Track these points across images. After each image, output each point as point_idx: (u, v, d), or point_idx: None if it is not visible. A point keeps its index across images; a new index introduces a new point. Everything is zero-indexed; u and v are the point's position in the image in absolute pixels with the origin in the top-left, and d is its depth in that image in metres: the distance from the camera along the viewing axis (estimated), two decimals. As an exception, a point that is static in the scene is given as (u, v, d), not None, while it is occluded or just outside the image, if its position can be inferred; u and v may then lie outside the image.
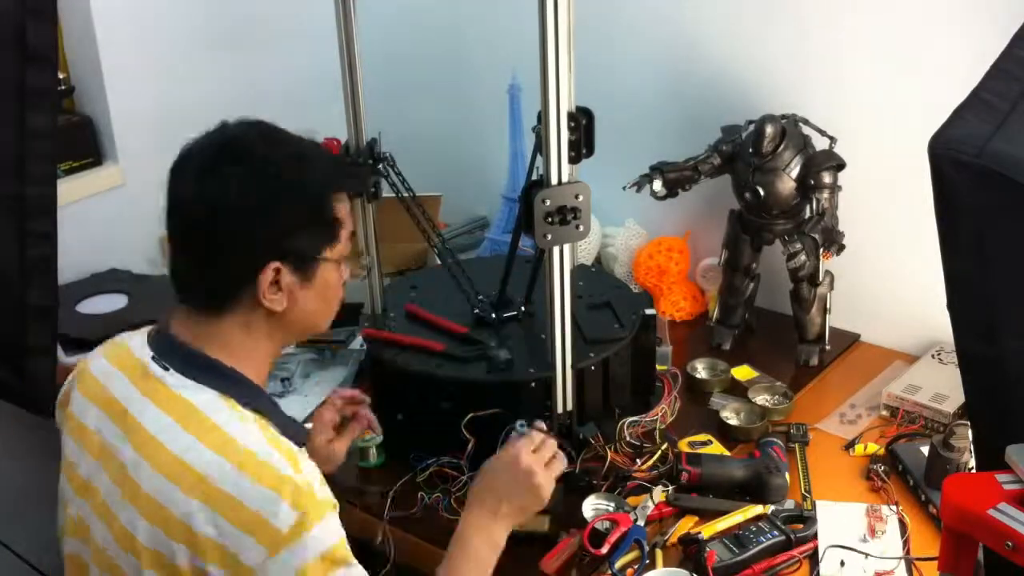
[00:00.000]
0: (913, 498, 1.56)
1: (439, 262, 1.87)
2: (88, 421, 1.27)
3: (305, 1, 2.31)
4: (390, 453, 1.68)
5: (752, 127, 1.87)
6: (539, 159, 1.53)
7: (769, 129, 1.82)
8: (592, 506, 1.55)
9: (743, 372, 1.91)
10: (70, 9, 2.06)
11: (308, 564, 1.10)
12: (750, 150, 1.85)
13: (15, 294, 1.58)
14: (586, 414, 1.67)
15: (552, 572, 1.44)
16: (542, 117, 1.46)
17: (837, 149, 1.84)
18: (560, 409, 1.62)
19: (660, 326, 1.91)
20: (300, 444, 1.22)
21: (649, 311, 1.74)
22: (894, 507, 1.53)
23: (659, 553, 1.47)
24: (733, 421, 1.75)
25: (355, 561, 1.16)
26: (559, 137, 1.46)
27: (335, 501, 1.16)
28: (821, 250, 1.86)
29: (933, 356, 1.88)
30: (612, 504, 1.55)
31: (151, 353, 1.24)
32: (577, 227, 1.51)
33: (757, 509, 1.53)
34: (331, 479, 1.22)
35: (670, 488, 1.55)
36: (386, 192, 1.80)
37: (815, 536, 1.47)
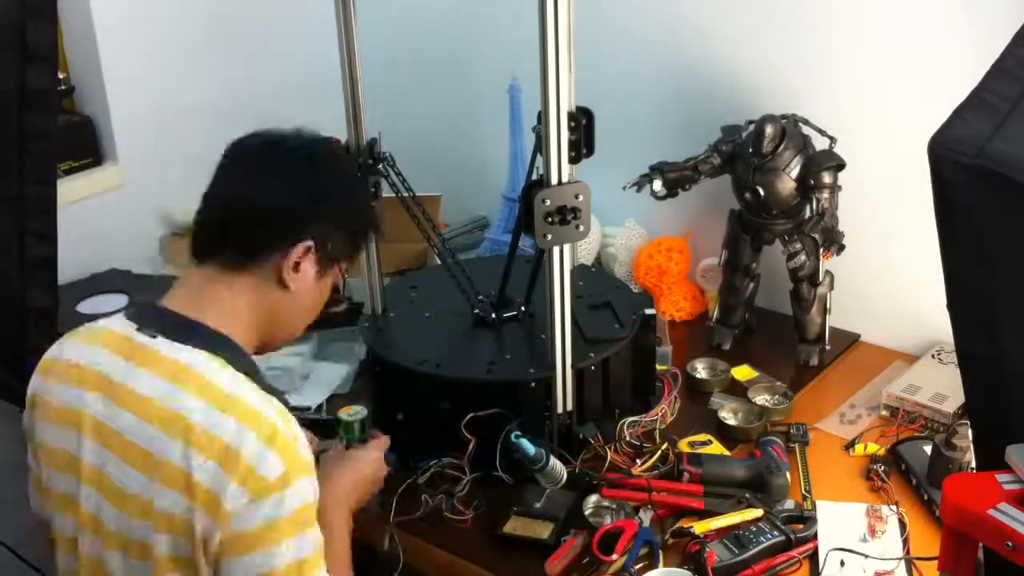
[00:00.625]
0: (916, 498, 1.57)
1: (439, 262, 1.87)
2: (70, 401, 1.25)
3: (305, 2, 2.32)
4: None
5: (752, 127, 1.87)
6: (539, 159, 1.53)
7: (769, 129, 1.82)
8: (592, 506, 1.55)
9: (743, 372, 1.91)
10: (70, 9, 2.06)
11: (283, 517, 1.13)
12: (750, 150, 1.85)
13: (15, 294, 1.59)
14: (586, 414, 1.67)
15: (556, 574, 1.44)
16: (542, 117, 1.46)
17: (837, 149, 1.84)
18: (560, 409, 1.62)
19: (660, 326, 1.91)
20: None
21: (649, 311, 1.74)
22: (894, 507, 1.53)
23: (659, 553, 1.46)
24: (731, 421, 1.75)
25: (318, 528, 1.19)
26: (559, 137, 1.46)
27: (314, 465, 1.20)
28: (821, 250, 1.86)
29: (933, 356, 1.88)
30: (612, 504, 1.55)
31: (134, 326, 1.25)
32: (577, 227, 1.51)
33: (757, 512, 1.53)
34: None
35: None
36: (386, 192, 1.80)
37: (815, 536, 1.47)
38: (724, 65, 2.04)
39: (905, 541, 1.46)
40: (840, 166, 1.82)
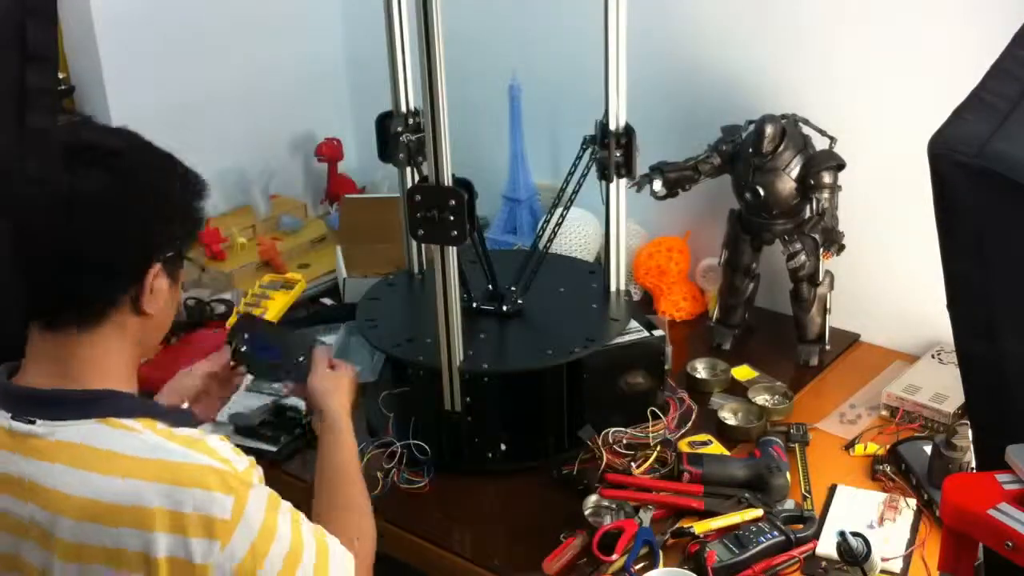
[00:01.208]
0: (916, 498, 1.56)
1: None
2: None
3: (305, 2, 2.31)
4: None
5: (752, 127, 1.87)
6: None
7: (769, 129, 1.82)
8: (592, 506, 1.55)
9: (743, 372, 1.91)
10: (70, 9, 2.07)
11: (259, 529, 1.11)
12: (750, 150, 1.85)
13: (15, 294, 1.58)
14: (584, 416, 1.67)
15: (554, 573, 1.44)
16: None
17: (837, 149, 1.84)
18: (448, 406, 1.62)
19: (660, 326, 1.90)
20: (194, 427, 1.19)
21: (658, 332, 1.74)
22: (911, 500, 1.53)
23: (659, 553, 1.47)
24: (731, 421, 1.75)
25: (278, 497, 1.18)
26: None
27: (250, 457, 1.16)
28: (821, 250, 1.86)
29: (933, 356, 1.88)
30: (612, 504, 1.55)
31: (7, 415, 1.15)
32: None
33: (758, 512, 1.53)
34: None
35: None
36: (386, 192, 1.80)
37: (815, 536, 1.48)
38: (724, 65, 2.04)
39: (914, 529, 1.48)
40: (840, 166, 1.82)
